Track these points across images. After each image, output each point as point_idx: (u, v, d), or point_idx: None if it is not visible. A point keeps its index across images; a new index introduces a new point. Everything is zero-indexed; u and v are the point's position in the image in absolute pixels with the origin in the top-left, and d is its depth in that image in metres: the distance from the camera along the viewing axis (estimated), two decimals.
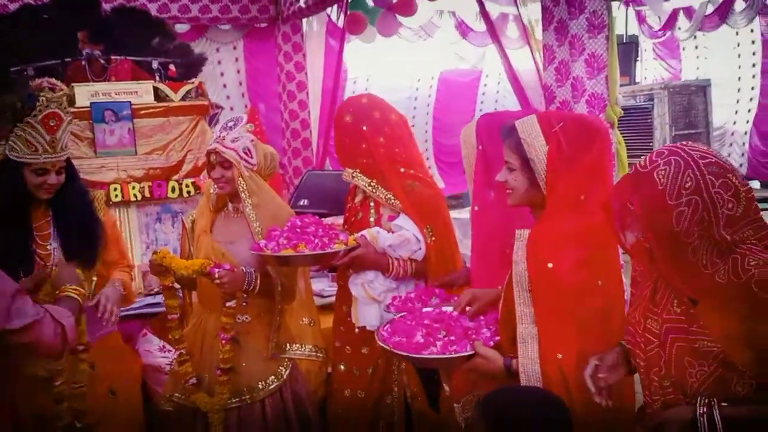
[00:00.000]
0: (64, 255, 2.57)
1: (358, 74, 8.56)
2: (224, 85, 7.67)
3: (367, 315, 2.62)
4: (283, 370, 2.79)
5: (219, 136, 2.68)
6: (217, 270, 2.56)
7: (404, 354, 2.00)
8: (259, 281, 2.66)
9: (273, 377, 2.76)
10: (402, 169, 2.63)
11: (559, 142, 1.91)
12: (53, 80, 3.77)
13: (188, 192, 4.30)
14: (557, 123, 1.95)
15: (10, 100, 4.25)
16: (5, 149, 2.48)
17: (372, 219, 2.70)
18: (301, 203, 5.20)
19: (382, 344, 2.06)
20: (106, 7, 6.05)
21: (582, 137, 1.94)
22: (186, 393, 2.71)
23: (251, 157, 2.67)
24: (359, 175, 2.65)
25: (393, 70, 8.54)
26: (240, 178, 2.64)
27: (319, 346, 2.95)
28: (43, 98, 2.53)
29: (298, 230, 2.53)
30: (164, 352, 3.32)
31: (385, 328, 2.16)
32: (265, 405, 2.74)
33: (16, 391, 2.45)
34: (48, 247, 2.57)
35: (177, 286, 2.71)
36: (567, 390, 1.85)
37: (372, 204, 2.70)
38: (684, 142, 1.70)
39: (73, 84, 4.29)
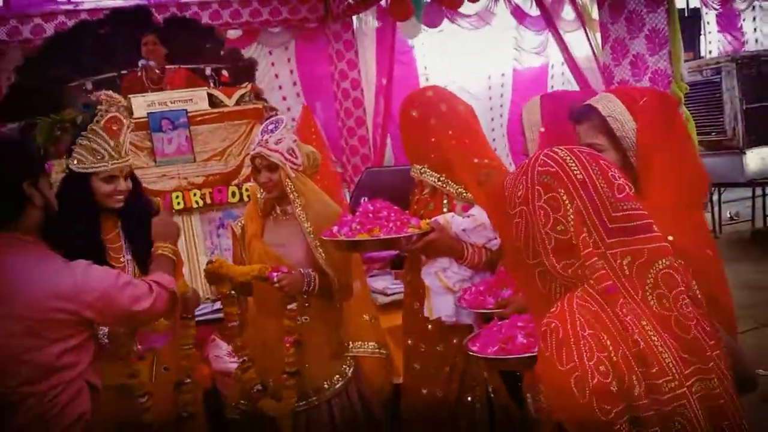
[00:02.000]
0: (138, 266, 2.56)
1: (429, 71, 8.45)
2: (279, 87, 7.73)
3: (442, 306, 2.52)
4: (347, 368, 2.76)
5: (261, 140, 2.64)
6: (276, 274, 2.54)
7: (519, 356, 1.89)
8: (317, 281, 2.63)
9: (338, 376, 2.73)
10: (476, 160, 2.54)
11: (647, 116, 1.82)
12: (110, 93, 3.85)
13: (248, 196, 4.30)
14: (641, 98, 1.86)
15: (70, 115, 4.38)
16: (68, 164, 2.49)
17: (445, 210, 2.62)
18: (362, 201, 5.18)
19: (484, 356, 1.96)
20: (159, 18, 6.15)
21: (665, 109, 1.85)
22: (252, 400, 2.70)
23: (296, 158, 2.63)
24: (428, 170, 2.56)
25: (461, 63, 8.36)
26: (287, 180, 2.61)
27: (382, 343, 2.89)
28: (103, 104, 2.54)
29: (371, 215, 2.47)
30: (233, 357, 3.32)
31: (474, 344, 2.04)
32: (332, 405, 2.71)
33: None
34: (122, 259, 2.54)
35: (234, 293, 2.70)
36: None
37: (445, 200, 2.63)
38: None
39: (129, 95, 4.36)
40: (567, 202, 1.35)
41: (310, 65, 7.89)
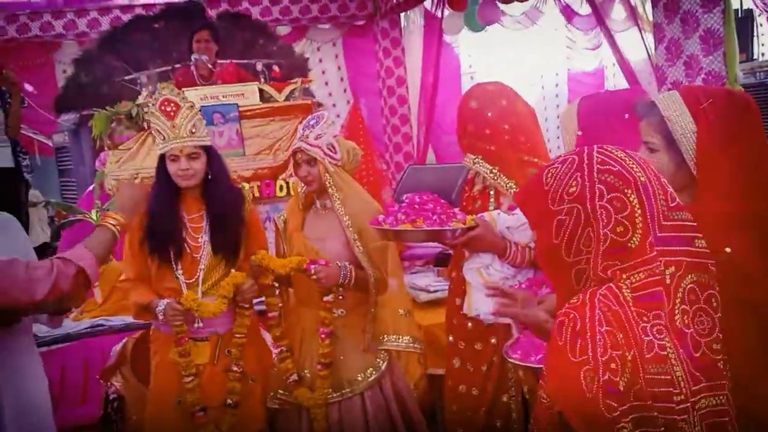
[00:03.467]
0: (212, 248, 2.71)
1: (473, 69, 8.40)
2: (326, 83, 7.78)
3: (482, 303, 2.53)
4: (381, 362, 2.78)
5: (302, 135, 2.71)
6: (313, 266, 2.60)
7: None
8: (353, 274, 2.67)
9: (371, 369, 2.76)
10: (525, 157, 2.55)
11: (709, 120, 1.76)
12: (161, 84, 3.94)
13: None
14: (705, 99, 1.80)
15: (125, 107, 4.50)
16: None
17: (491, 208, 2.63)
18: (404, 198, 5.20)
19: (527, 365, 1.96)
20: (212, 13, 6.26)
21: (735, 113, 1.78)
22: (288, 390, 2.75)
23: (335, 153, 2.69)
24: (481, 161, 2.57)
25: (508, 63, 8.28)
26: (326, 174, 2.67)
27: (416, 337, 2.91)
28: (159, 90, 2.68)
29: (416, 206, 2.51)
30: (274, 347, 3.37)
31: (516, 351, 2.04)
32: (365, 398, 2.74)
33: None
34: (199, 240, 2.70)
35: (276, 284, 2.76)
36: (747, 386, 1.72)
37: (492, 193, 2.63)
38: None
39: (183, 89, 4.45)
40: (636, 203, 1.32)
41: (357, 62, 7.93)
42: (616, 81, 9.05)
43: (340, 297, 2.69)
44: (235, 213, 2.77)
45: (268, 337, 3.35)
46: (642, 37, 4.83)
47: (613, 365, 1.24)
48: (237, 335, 2.73)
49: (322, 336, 2.69)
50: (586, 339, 1.26)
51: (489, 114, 2.54)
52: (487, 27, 7.71)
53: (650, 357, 1.27)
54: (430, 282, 3.90)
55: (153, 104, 2.62)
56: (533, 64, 8.57)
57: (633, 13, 8.29)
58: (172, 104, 2.60)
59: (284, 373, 2.74)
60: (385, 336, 2.84)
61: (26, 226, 4.55)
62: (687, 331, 1.32)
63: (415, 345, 2.92)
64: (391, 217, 2.49)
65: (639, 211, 1.31)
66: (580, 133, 2.23)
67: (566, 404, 1.29)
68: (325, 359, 2.70)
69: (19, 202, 4.47)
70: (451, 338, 2.75)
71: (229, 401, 2.69)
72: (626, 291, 1.30)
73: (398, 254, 3.00)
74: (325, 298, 2.66)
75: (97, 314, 3.66)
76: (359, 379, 2.75)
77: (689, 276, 1.35)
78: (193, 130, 2.64)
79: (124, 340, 3.34)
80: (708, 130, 1.75)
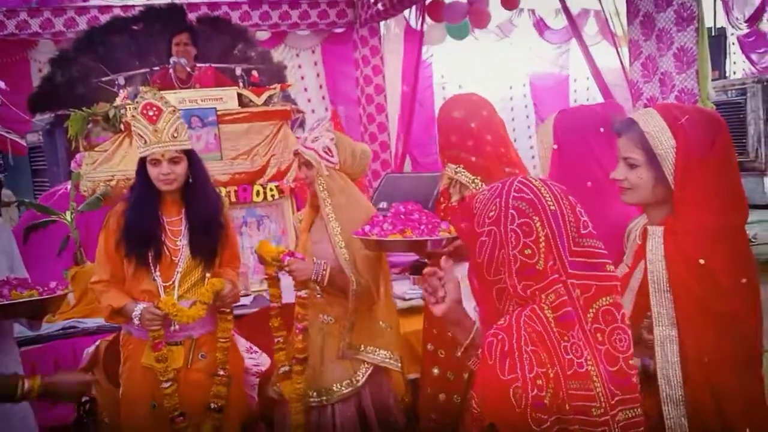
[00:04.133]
0: (190, 251, 2.71)
1: (445, 79, 8.49)
2: (305, 89, 7.80)
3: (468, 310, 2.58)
4: (360, 375, 2.79)
5: (302, 137, 2.75)
6: (287, 258, 2.66)
7: None
8: (328, 274, 2.70)
9: (347, 382, 2.77)
10: (507, 169, 2.59)
11: (687, 135, 1.83)
12: (144, 88, 3.92)
13: (272, 196, 4.35)
14: (683, 116, 1.86)
15: (102, 108, 4.46)
16: None
17: None
18: (381, 206, 5.22)
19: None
20: (191, 16, 6.24)
21: (708, 130, 1.85)
22: (276, 380, 2.80)
23: (332, 156, 2.72)
24: (462, 170, 2.61)
25: (479, 74, 8.39)
26: (319, 177, 2.69)
27: (394, 353, 2.86)
28: (141, 93, 2.67)
29: (402, 216, 2.53)
30: (251, 353, 3.36)
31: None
32: (335, 410, 2.78)
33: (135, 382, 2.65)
34: (178, 243, 2.70)
35: (277, 276, 2.78)
36: (714, 394, 1.77)
37: None
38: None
39: (161, 91, 4.42)
40: (539, 229, 1.45)
41: (336, 69, 7.97)
42: (579, 96, 9.25)
43: (318, 296, 2.76)
44: (214, 217, 2.79)
45: (242, 342, 3.37)
46: (617, 52, 4.90)
47: (539, 381, 1.37)
48: (221, 339, 2.75)
49: (296, 331, 2.74)
50: (514, 358, 1.39)
51: (472, 125, 2.58)
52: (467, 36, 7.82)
53: (571, 374, 1.40)
54: (406, 290, 3.92)
55: (135, 107, 2.61)
56: (502, 76, 8.70)
57: (605, 28, 8.46)
58: (155, 108, 2.61)
59: (276, 363, 2.82)
60: (362, 346, 2.83)
61: None
62: (601, 348, 1.44)
63: (392, 361, 2.85)
64: (377, 227, 2.51)
65: (543, 237, 1.44)
66: (555, 146, 2.27)
67: (498, 418, 1.42)
68: (299, 354, 2.75)
69: None
70: (429, 346, 2.77)
71: (213, 405, 2.69)
72: (548, 311, 1.42)
73: (387, 266, 2.99)
74: (299, 293, 2.73)
75: (70, 316, 3.63)
76: (334, 389, 2.77)
77: (603, 298, 1.47)
78: (175, 135, 2.64)
79: (96, 343, 3.31)
80: (686, 145, 1.83)
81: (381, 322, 2.86)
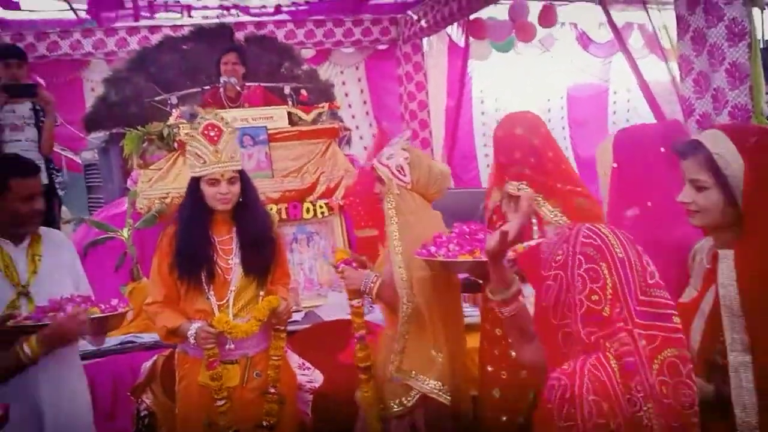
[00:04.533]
0: (243, 270, 2.73)
1: (484, 94, 8.49)
2: (349, 105, 7.87)
3: None
4: (410, 398, 2.69)
5: (381, 153, 2.76)
6: (342, 265, 2.71)
7: None
8: (376, 287, 2.68)
9: (398, 401, 2.71)
10: (569, 187, 2.59)
11: (756, 157, 1.79)
12: (198, 108, 4.01)
13: (322, 213, 4.42)
14: (751, 137, 1.84)
15: (156, 128, 4.58)
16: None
17: (536, 236, 2.63)
18: (453, 228, 5.21)
19: None
20: (239, 35, 6.37)
21: None
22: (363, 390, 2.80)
23: (404, 176, 2.68)
24: (525, 187, 2.60)
25: (519, 88, 8.40)
26: (389, 195, 2.68)
27: (444, 385, 2.68)
28: (202, 114, 2.72)
29: (467, 236, 2.50)
30: (304, 369, 3.40)
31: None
32: (391, 426, 2.74)
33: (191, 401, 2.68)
34: (229, 261, 2.72)
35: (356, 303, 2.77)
36: None
37: (535, 221, 2.65)
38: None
39: (215, 110, 4.52)
40: (607, 275, 1.46)
41: (380, 86, 8.03)
42: (619, 108, 9.16)
43: (370, 308, 2.71)
44: (265, 235, 2.81)
45: (295, 359, 3.41)
46: (667, 66, 4.85)
47: None
48: (274, 357, 2.76)
49: (355, 341, 2.76)
50: (574, 406, 1.39)
51: (535, 142, 2.58)
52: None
53: (632, 427, 1.39)
54: None
55: (195, 127, 2.66)
56: (541, 89, 8.67)
57: (652, 41, 8.39)
58: (216, 129, 2.65)
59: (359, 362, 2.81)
60: (413, 372, 2.68)
61: None
62: (666, 402, 1.43)
63: (441, 393, 2.66)
64: (443, 248, 2.48)
65: (610, 283, 1.45)
66: (615, 165, 2.26)
67: None
68: (361, 363, 2.75)
69: (52, 218, 4.53)
70: (490, 368, 2.72)
71: (265, 423, 2.71)
72: (613, 362, 1.42)
73: (456, 293, 2.86)
74: (352, 302, 2.74)
75: (128, 330, 3.70)
76: (391, 405, 2.75)
77: (668, 350, 1.47)
78: (233, 155, 2.69)
79: (154, 357, 3.38)
80: (756, 166, 1.80)
81: (433, 351, 2.69)
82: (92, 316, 2.29)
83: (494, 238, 1.84)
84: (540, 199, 2.58)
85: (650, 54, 8.24)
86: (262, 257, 2.78)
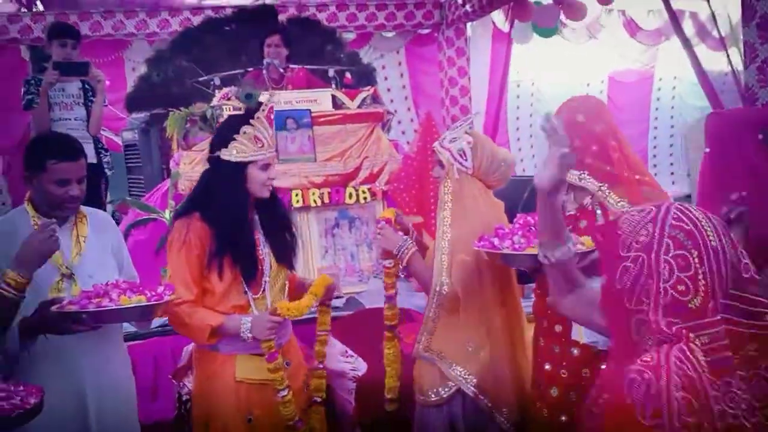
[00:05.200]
0: (275, 258, 2.62)
1: (520, 78, 8.33)
2: (388, 89, 7.76)
3: None
4: (446, 390, 2.63)
5: (443, 135, 2.68)
6: (382, 222, 2.72)
7: None
8: (408, 256, 2.66)
9: (434, 390, 2.65)
10: (636, 176, 2.46)
11: None
12: (252, 88, 3.93)
13: (365, 198, 4.35)
14: None
15: (200, 109, 4.54)
16: (220, 155, 2.51)
17: None
18: (516, 220, 5.10)
19: None
20: (282, 17, 6.30)
21: None
22: None
23: (465, 160, 2.58)
24: (588, 177, 2.48)
25: (558, 74, 8.24)
26: (447, 180, 2.59)
27: (469, 375, 2.60)
28: (266, 97, 2.63)
29: (532, 228, 2.40)
30: (347, 357, 3.34)
31: None
32: (429, 415, 2.69)
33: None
34: (261, 251, 2.59)
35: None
36: None
37: (599, 211, 2.53)
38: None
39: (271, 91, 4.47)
40: (698, 265, 1.32)
41: (420, 71, 7.92)
42: (663, 94, 8.93)
43: (402, 274, 2.81)
44: (288, 219, 2.74)
45: (338, 346, 3.35)
46: (727, 54, 4.67)
47: None
48: (320, 333, 2.75)
49: (384, 300, 2.80)
50: (662, 403, 1.25)
51: (597, 129, 2.45)
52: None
53: (722, 426, 1.27)
54: None
55: (263, 110, 2.54)
56: (580, 73, 8.47)
57: (702, 30, 8.15)
58: (273, 112, 2.59)
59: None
60: (441, 353, 2.63)
61: None
62: (744, 396, 1.33)
63: (466, 381, 2.59)
64: (507, 239, 2.39)
65: (701, 274, 1.32)
66: (707, 150, 2.14)
67: None
68: (389, 321, 2.80)
69: (99, 198, 4.53)
70: (548, 366, 2.60)
71: (317, 398, 2.69)
72: (700, 356, 1.29)
73: (513, 287, 2.81)
74: (384, 262, 2.76)
75: None
76: (428, 393, 2.67)
77: (751, 344, 1.36)
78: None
79: None
80: None
81: (468, 346, 2.61)
82: (139, 304, 2.21)
83: (549, 167, 1.63)
84: (605, 188, 2.46)
85: (700, 43, 8.02)
86: (289, 243, 2.69)
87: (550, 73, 8.29)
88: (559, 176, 1.61)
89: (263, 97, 2.65)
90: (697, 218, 1.37)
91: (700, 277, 1.32)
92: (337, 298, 3.79)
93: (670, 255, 1.34)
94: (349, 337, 3.35)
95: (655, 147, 9.06)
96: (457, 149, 2.58)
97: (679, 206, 1.40)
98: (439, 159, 2.63)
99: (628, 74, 8.85)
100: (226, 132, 2.54)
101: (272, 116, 2.57)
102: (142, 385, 3.33)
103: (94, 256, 2.45)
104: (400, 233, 2.75)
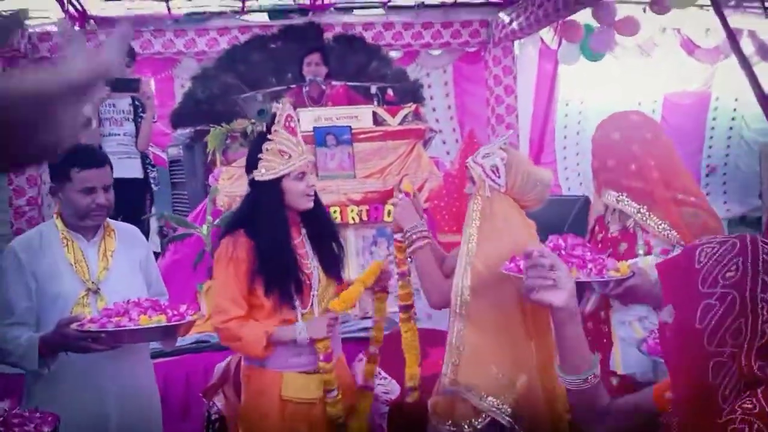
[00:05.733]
0: (324, 270, 2.56)
1: (570, 97, 8.16)
2: (433, 109, 7.69)
3: (635, 360, 2.30)
4: (479, 422, 2.42)
5: (477, 151, 2.58)
6: (400, 195, 2.60)
7: None
8: (418, 245, 2.49)
9: (467, 422, 2.42)
10: (680, 196, 2.32)
11: None
12: (278, 103, 3.92)
13: None
14: None
15: (241, 125, 4.54)
16: (254, 177, 2.49)
17: (641, 252, 2.38)
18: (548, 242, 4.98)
19: None
20: (328, 35, 6.30)
21: None
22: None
23: (498, 177, 2.47)
24: (625, 199, 2.34)
25: (608, 92, 8.03)
26: (477, 196, 2.45)
27: (504, 405, 2.40)
28: (278, 106, 2.59)
29: (563, 251, 2.27)
30: (380, 378, 3.24)
31: None
32: None
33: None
34: (309, 265, 2.54)
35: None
36: None
37: (640, 234, 2.39)
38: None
39: (297, 109, 4.44)
40: None
41: (466, 89, 7.83)
42: (720, 114, 8.64)
43: (409, 259, 2.59)
44: (334, 229, 2.69)
45: None
46: None
47: None
48: (377, 320, 2.74)
49: (397, 277, 2.67)
50: None
51: (634, 147, 2.33)
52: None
53: None
54: None
55: (278, 122, 2.50)
56: (630, 91, 8.24)
57: (763, 49, 7.87)
58: (294, 120, 2.51)
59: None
60: (485, 395, 2.39)
61: (147, 236, 4.64)
62: None
63: (499, 411, 2.39)
64: None
65: None
66: None
67: None
68: (403, 301, 2.67)
69: (143, 212, 4.57)
70: None
71: (369, 383, 2.71)
72: None
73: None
74: (396, 236, 2.62)
75: (203, 329, 3.63)
76: (463, 426, 2.49)
77: None
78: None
79: (228, 359, 3.29)
80: None
81: (494, 367, 2.43)
82: (159, 325, 2.16)
83: (558, 296, 1.50)
84: (644, 210, 2.32)
85: (761, 62, 7.75)
86: (338, 254, 2.64)
87: (599, 92, 8.11)
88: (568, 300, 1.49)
89: (280, 108, 2.55)
90: None
91: None
92: (368, 318, 3.71)
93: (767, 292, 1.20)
94: (384, 358, 3.26)
95: (707, 166, 8.79)
96: (489, 165, 2.45)
97: (764, 240, 1.27)
98: (471, 175, 2.52)
99: (684, 96, 8.59)
100: (253, 152, 2.52)
101: (293, 124, 2.49)
102: (172, 404, 3.31)
103: (121, 271, 2.43)
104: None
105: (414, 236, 2.53)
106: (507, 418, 2.43)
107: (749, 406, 1.18)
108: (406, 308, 2.69)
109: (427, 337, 2.87)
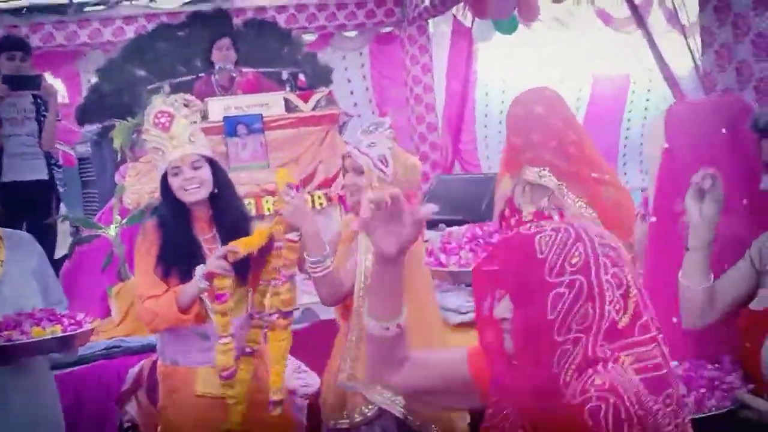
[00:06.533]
0: (233, 267, 2.42)
1: (491, 77, 8.15)
2: (351, 92, 7.62)
3: None
4: (368, 409, 2.45)
5: (357, 139, 2.49)
6: (293, 189, 2.38)
7: None
8: (308, 242, 2.34)
9: (359, 409, 2.45)
10: (595, 174, 2.31)
11: None
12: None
13: (320, 204, 4.20)
14: None
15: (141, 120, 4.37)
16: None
17: None
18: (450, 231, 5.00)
19: None
20: (238, 21, 6.14)
21: None
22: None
23: (386, 166, 2.42)
24: (548, 174, 2.32)
25: (530, 70, 8.03)
26: (369, 188, 2.42)
27: (398, 396, 2.29)
28: (151, 101, 2.50)
29: (481, 240, 2.23)
30: (299, 372, 3.19)
31: None
32: None
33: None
34: (214, 249, 2.47)
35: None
36: None
37: (556, 215, 2.37)
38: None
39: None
40: (629, 280, 1.21)
41: (384, 70, 7.78)
42: (638, 88, 8.80)
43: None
44: (247, 229, 2.57)
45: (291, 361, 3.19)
46: (686, 41, 4.55)
47: None
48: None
49: (282, 279, 2.43)
50: (633, 425, 1.13)
51: (557, 122, 2.30)
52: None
53: None
54: (462, 302, 3.69)
55: (147, 120, 2.41)
56: (551, 67, 8.29)
57: (673, 18, 8.04)
58: (166, 115, 2.41)
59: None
60: (380, 388, 2.33)
61: (54, 238, 4.43)
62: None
63: (393, 403, 2.34)
64: (453, 255, 2.24)
65: (633, 290, 1.21)
66: (666, 146, 1.99)
67: None
68: (285, 306, 2.44)
69: (49, 215, 4.37)
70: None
71: (248, 349, 2.52)
72: (632, 374, 1.17)
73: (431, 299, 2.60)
74: (289, 236, 2.39)
75: (114, 334, 3.51)
76: (354, 415, 2.45)
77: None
78: (192, 139, 2.44)
79: (140, 363, 3.19)
80: None
81: None
82: (54, 336, 2.06)
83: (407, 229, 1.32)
84: (563, 187, 2.31)
85: (672, 31, 7.88)
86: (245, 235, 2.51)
87: (522, 71, 8.11)
88: (414, 238, 1.34)
89: (158, 102, 2.48)
90: (608, 235, 1.26)
91: (632, 293, 1.20)
92: (296, 310, 3.64)
93: (609, 274, 1.20)
94: (303, 352, 3.20)
95: (626, 138, 8.95)
96: (377, 155, 2.39)
97: (584, 223, 1.27)
98: (355, 166, 2.42)
99: (609, 76, 8.68)
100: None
101: (164, 120, 2.39)
102: (86, 414, 3.19)
103: (12, 281, 2.30)
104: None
105: (318, 268, 2.36)
106: (400, 410, 2.41)
107: (600, 382, 1.16)
108: (286, 315, 2.47)
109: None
